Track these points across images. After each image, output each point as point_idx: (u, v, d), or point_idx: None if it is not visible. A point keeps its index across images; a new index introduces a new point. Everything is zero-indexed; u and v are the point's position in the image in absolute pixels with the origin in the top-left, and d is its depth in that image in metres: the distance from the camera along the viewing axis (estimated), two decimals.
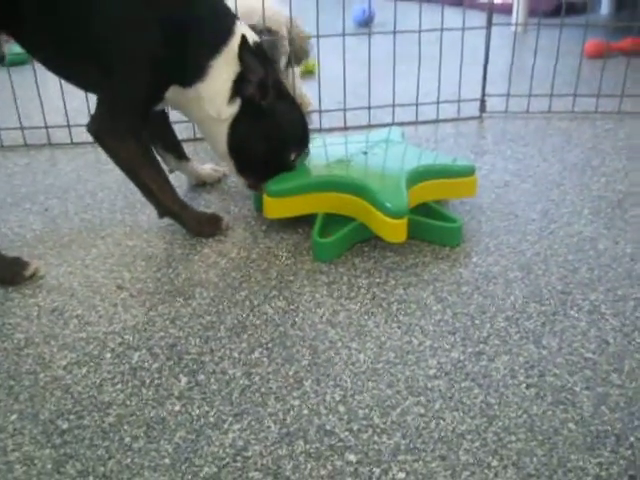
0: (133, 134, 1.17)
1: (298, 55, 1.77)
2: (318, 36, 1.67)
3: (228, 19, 1.18)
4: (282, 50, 1.69)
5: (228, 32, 1.16)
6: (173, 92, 1.18)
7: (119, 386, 0.89)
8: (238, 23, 1.19)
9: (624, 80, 1.82)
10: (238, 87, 1.17)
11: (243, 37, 1.14)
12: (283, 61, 1.72)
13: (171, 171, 1.40)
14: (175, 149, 1.40)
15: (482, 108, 1.86)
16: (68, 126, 1.72)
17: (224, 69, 1.16)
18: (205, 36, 1.15)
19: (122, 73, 1.13)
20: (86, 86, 1.26)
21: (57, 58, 1.19)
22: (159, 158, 1.27)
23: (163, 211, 1.24)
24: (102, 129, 1.16)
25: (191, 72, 1.16)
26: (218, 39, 1.15)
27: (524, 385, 0.87)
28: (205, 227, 1.25)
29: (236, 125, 1.19)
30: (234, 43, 1.16)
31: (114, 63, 1.12)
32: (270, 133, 1.20)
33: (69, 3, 1.10)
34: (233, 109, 1.18)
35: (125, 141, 1.16)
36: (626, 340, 0.95)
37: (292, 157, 1.25)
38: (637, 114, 1.83)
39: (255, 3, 1.59)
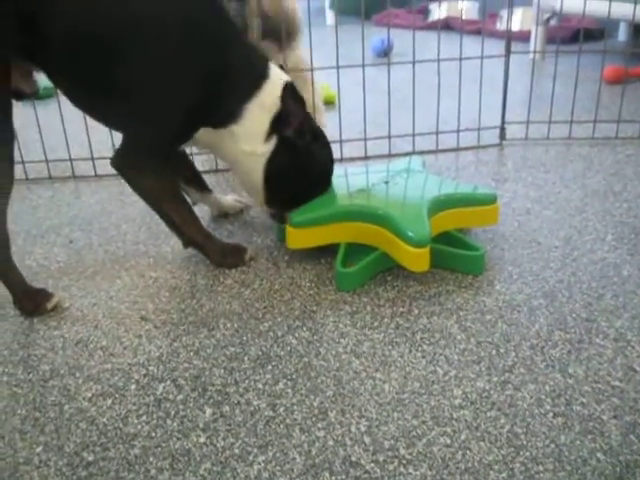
0: (156, 169, 1.20)
1: (290, 31, 1.77)
2: (338, 67, 1.68)
3: (261, 64, 1.23)
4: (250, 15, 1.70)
5: (262, 77, 1.21)
6: (203, 132, 1.22)
7: (144, 418, 0.90)
8: (270, 66, 1.23)
9: None
10: (276, 127, 1.21)
11: (287, 83, 1.20)
12: (255, 23, 1.71)
13: (194, 203, 1.42)
14: (197, 182, 1.42)
15: (502, 135, 1.86)
16: (92, 159, 1.74)
17: (259, 111, 1.20)
18: (239, 84, 1.20)
19: (153, 115, 1.17)
20: (109, 122, 1.27)
21: (85, 94, 1.21)
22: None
23: (187, 242, 1.26)
24: (126, 164, 1.19)
25: (224, 116, 1.20)
26: (252, 85, 1.20)
27: (551, 414, 0.86)
28: (228, 258, 1.27)
29: (273, 161, 1.22)
30: (268, 87, 1.21)
31: (146, 104, 1.15)
32: (303, 170, 1.25)
33: (105, 45, 1.12)
34: (269, 146, 1.22)
35: (148, 176, 1.19)
36: None
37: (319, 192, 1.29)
38: None
39: None
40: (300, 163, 1.24)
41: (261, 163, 1.22)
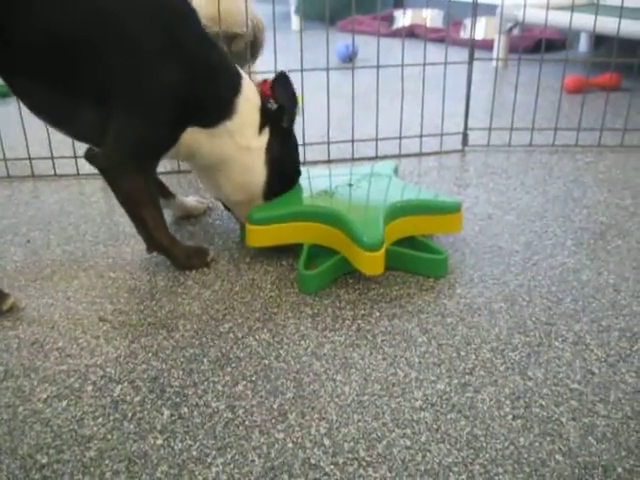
0: (141, 172, 1.18)
1: (255, 49, 1.85)
2: (302, 70, 1.68)
3: (232, 64, 1.25)
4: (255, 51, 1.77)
5: (239, 74, 1.24)
6: (191, 134, 1.20)
7: (100, 420, 0.88)
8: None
9: (603, 114, 1.85)
10: (267, 119, 1.25)
11: (281, 72, 1.25)
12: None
13: None
14: (160, 189, 1.40)
15: (464, 141, 1.87)
16: (52, 158, 1.71)
17: (248, 106, 1.23)
18: (225, 80, 1.21)
19: (144, 113, 1.14)
20: (81, 129, 1.21)
21: (58, 102, 1.17)
22: None
23: (154, 245, 1.24)
24: (114, 165, 1.16)
25: (216, 113, 1.21)
26: (235, 81, 1.22)
27: (510, 416, 0.87)
28: (192, 260, 1.25)
29: (272, 152, 1.26)
30: (245, 82, 1.23)
31: (136, 102, 1.13)
32: (294, 155, 1.33)
33: (89, 48, 1.10)
34: (264, 138, 1.25)
35: (133, 179, 1.17)
36: (611, 370, 0.95)
37: None
38: (616, 147, 1.85)
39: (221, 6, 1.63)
40: (291, 149, 1.31)
41: (261, 156, 1.25)
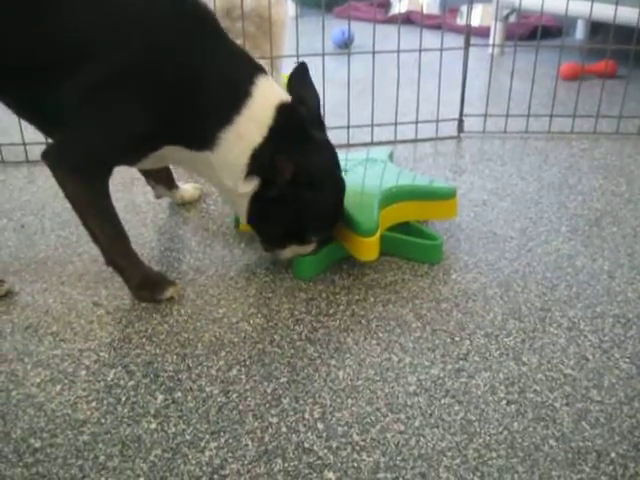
0: (90, 180, 1.05)
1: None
2: (298, 55, 1.67)
3: (244, 76, 1.04)
4: None
5: (244, 95, 1.02)
6: (175, 151, 1.06)
7: (94, 404, 0.88)
8: (260, 79, 1.04)
9: (599, 101, 1.84)
10: (255, 168, 1.03)
11: (270, 133, 0.99)
12: None
13: (158, 197, 1.41)
14: (167, 179, 1.39)
15: (460, 128, 1.87)
16: (46, 143, 1.70)
17: (236, 142, 1.02)
18: (212, 105, 1.01)
19: (108, 121, 1.01)
20: (47, 128, 1.14)
21: (26, 104, 1.12)
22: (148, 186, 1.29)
23: (109, 261, 1.10)
24: (59, 164, 1.05)
25: (197, 140, 1.04)
26: (230, 106, 1.02)
27: (504, 401, 0.87)
28: (145, 291, 1.10)
29: (255, 203, 1.07)
30: (249, 111, 1.02)
31: (101, 107, 1.00)
32: (291, 218, 1.08)
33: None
34: (251, 186, 1.05)
35: (78, 184, 1.04)
36: (605, 356, 0.95)
37: (314, 238, 1.13)
38: (612, 134, 1.85)
39: None
40: (288, 211, 1.07)
41: (244, 203, 1.08)
